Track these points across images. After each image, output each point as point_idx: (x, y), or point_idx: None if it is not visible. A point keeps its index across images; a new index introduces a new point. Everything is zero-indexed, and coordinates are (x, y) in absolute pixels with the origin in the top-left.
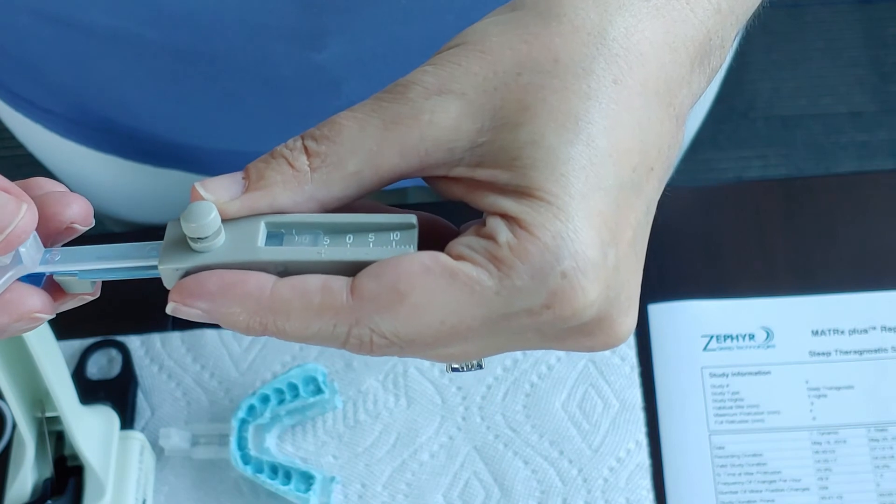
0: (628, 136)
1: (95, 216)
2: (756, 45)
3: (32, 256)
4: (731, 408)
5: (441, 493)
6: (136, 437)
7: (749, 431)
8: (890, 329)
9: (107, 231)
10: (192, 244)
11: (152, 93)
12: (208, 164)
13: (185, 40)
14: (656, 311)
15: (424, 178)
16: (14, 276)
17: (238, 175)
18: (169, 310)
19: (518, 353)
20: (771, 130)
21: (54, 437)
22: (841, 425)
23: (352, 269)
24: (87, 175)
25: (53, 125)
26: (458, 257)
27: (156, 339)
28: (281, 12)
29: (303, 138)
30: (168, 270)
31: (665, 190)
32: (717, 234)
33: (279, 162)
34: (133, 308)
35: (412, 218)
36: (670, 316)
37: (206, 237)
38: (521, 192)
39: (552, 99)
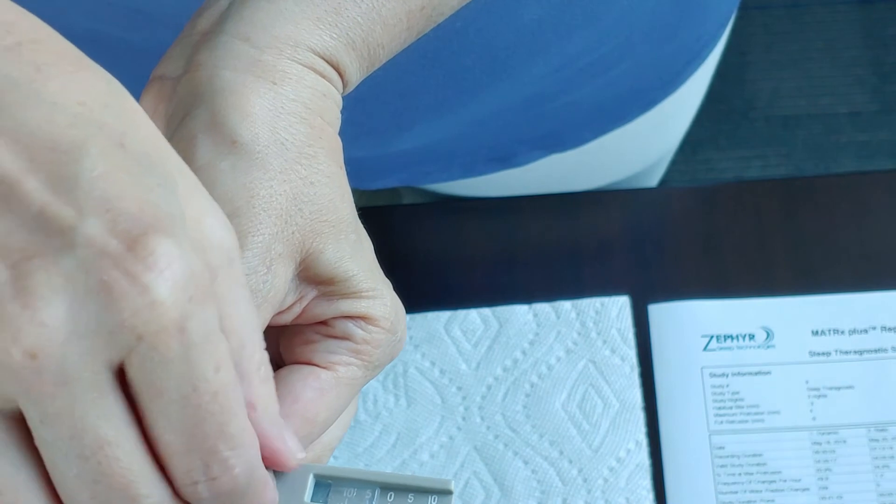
0: (354, 208)
1: None
2: (756, 45)
3: None
4: (731, 408)
5: None
6: None
7: (749, 431)
8: (890, 329)
9: None
10: None
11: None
12: None
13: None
14: (656, 311)
15: None
16: None
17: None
18: None
19: (518, 353)
20: (771, 130)
21: None
22: (841, 425)
23: None
24: None
25: None
26: (329, 365)
27: None
28: None
29: None
30: None
31: (665, 190)
32: (717, 234)
33: None
34: None
35: (450, 484)
36: (670, 316)
37: None
38: (349, 294)
39: (329, 217)
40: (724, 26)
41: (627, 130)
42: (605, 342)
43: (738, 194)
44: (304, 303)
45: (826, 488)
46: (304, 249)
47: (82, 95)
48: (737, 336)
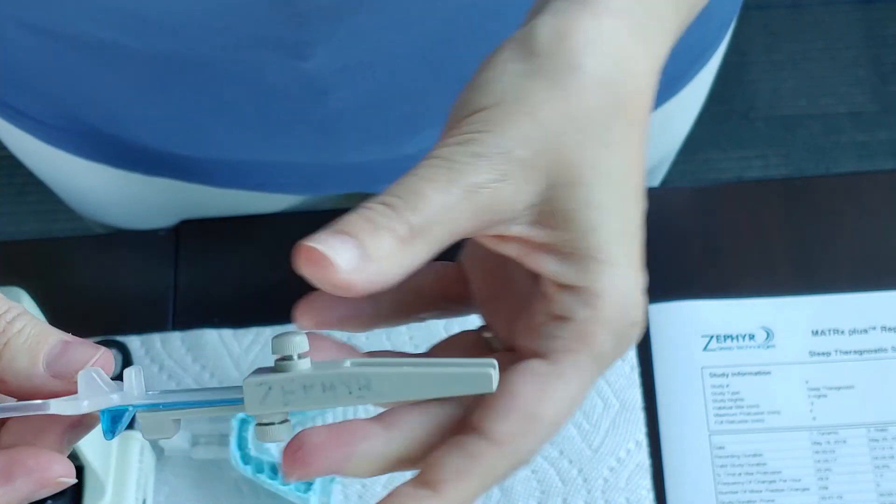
0: (640, 171)
1: (84, 222)
2: (756, 45)
3: (134, 388)
4: (731, 408)
5: None
6: (136, 437)
7: (749, 431)
8: (890, 329)
9: (93, 233)
10: (277, 366)
11: (139, 101)
12: (197, 171)
13: (170, 49)
14: (656, 311)
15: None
16: (111, 403)
17: (351, 241)
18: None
19: None
20: (771, 130)
21: None
22: (841, 425)
23: (433, 384)
24: (76, 183)
25: (42, 134)
26: (550, 354)
27: (156, 339)
28: (266, 21)
29: (397, 212)
30: (251, 384)
31: (665, 190)
32: (717, 234)
33: (385, 234)
34: (133, 308)
35: (492, 362)
36: (670, 316)
37: (292, 355)
38: (580, 254)
39: (591, 155)
40: (726, 27)
41: None
42: None
43: (739, 194)
44: (529, 249)
45: (826, 488)
46: (554, 174)
47: None
48: (737, 336)
